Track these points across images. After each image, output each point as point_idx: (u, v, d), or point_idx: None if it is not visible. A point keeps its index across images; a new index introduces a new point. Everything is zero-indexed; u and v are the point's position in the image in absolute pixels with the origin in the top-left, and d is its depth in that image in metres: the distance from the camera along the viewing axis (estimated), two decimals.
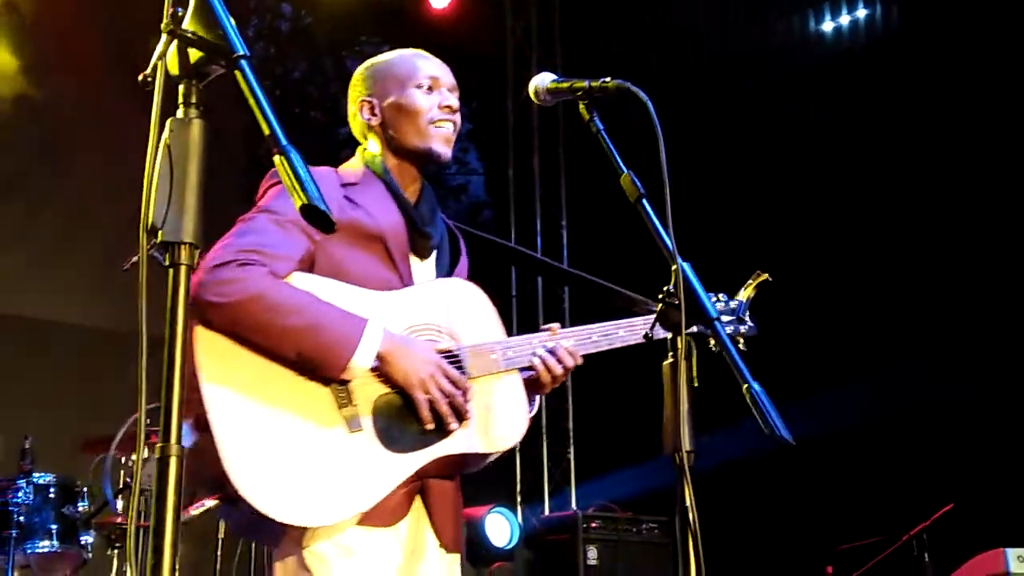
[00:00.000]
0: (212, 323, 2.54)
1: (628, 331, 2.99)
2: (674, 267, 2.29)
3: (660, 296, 2.29)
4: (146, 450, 4.36)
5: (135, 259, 4.97)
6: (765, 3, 8.87)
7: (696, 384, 2.33)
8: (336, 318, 2.56)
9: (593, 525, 7.49)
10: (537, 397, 2.92)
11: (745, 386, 2.20)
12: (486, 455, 2.74)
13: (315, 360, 2.52)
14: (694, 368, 2.31)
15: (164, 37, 1.69)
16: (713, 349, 2.66)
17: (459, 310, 2.81)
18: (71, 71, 7.79)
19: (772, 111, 8.63)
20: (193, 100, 1.70)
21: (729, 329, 3.08)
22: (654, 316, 2.58)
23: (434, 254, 2.93)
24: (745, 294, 3.13)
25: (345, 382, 2.57)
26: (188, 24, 1.69)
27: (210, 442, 2.42)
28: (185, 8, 1.69)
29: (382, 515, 2.59)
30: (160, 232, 1.63)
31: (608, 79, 2.53)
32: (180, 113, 1.69)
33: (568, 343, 2.89)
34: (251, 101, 1.64)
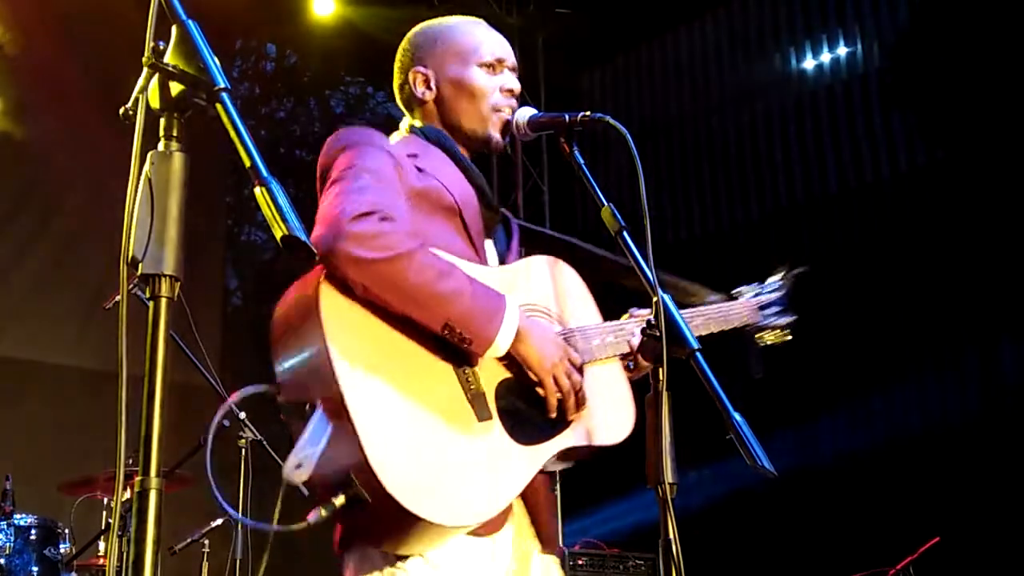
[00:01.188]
0: (353, 281, 2.24)
1: (723, 317, 2.90)
2: (655, 299, 2.29)
3: (643, 328, 2.29)
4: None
5: (117, 298, 4.97)
6: (748, 40, 8.94)
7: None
8: (479, 289, 2.34)
9: (580, 562, 7.45)
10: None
11: (728, 418, 2.19)
12: (595, 449, 2.52)
13: (463, 331, 2.28)
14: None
15: (145, 70, 1.69)
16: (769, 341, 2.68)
17: (561, 291, 2.61)
18: (55, 110, 7.80)
19: (755, 147, 8.68)
20: (174, 133, 1.70)
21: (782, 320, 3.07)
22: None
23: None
24: (781, 282, 3.13)
25: (474, 363, 2.36)
26: (169, 57, 1.69)
27: (347, 430, 2.15)
28: (167, 42, 1.70)
29: (491, 520, 2.34)
30: (140, 264, 1.62)
31: (588, 113, 2.53)
32: (161, 146, 1.69)
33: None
34: (232, 134, 1.64)
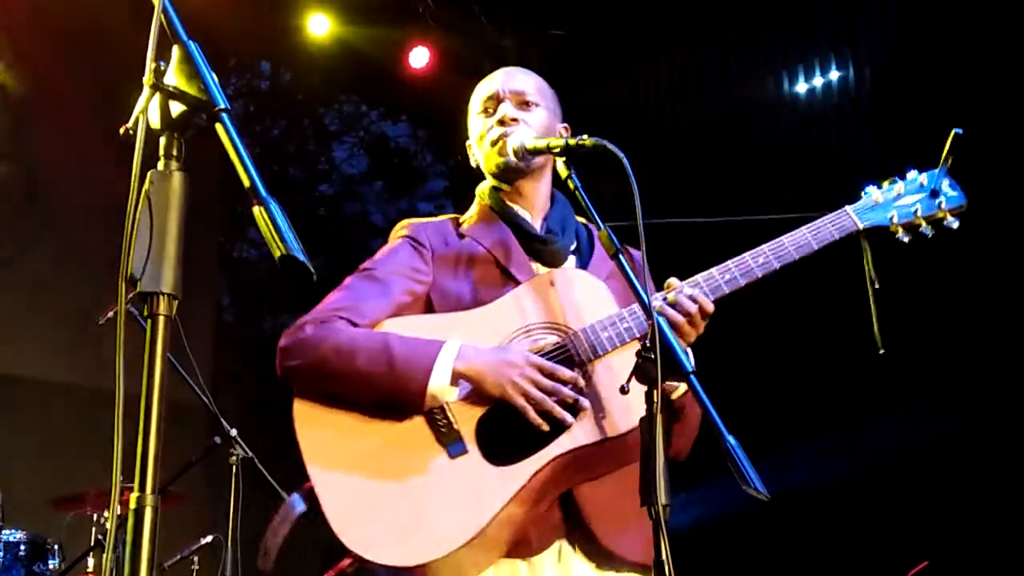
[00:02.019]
0: (301, 388, 2.57)
1: (784, 249, 2.72)
2: (649, 322, 2.29)
3: (638, 350, 2.30)
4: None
5: (111, 314, 4.99)
6: (740, 65, 8.98)
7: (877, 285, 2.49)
8: (407, 351, 2.50)
9: None
10: (690, 352, 2.57)
11: (722, 440, 2.20)
12: (617, 439, 2.48)
13: (393, 396, 2.49)
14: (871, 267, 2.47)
15: (147, 90, 1.70)
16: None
17: (568, 298, 2.64)
18: (50, 130, 7.81)
19: (748, 171, 8.70)
20: (174, 152, 1.71)
21: (919, 209, 2.79)
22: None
23: (572, 260, 2.81)
24: (941, 161, 2.82)
25: (444, 414, 2.52)
26: (170, 78, 1.70)
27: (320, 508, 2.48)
28: (168, 62, 1.71)
29: (518, 545, 2.50)
30: (139, 282, 1.63)
31: (585, 137, 2.55)
32: (161, 165, 1.70)
33: (692, 290, 2.59)
34: (232, 154, 1.65)
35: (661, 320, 2.32)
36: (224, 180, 8.49)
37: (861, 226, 2.79)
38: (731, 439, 2.18)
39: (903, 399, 7.01)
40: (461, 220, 2.91)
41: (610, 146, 2.44)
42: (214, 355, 8.80)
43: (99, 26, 7.64)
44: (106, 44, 7.59)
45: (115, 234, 1.67)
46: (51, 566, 5.31)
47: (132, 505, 1.57)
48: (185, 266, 1.68)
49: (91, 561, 5.32)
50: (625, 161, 2.36)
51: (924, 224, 2.81)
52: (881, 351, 2.70)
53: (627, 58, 9.27)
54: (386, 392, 2.49)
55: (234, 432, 5.08)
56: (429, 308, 2.70)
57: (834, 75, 8.52)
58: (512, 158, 2.76)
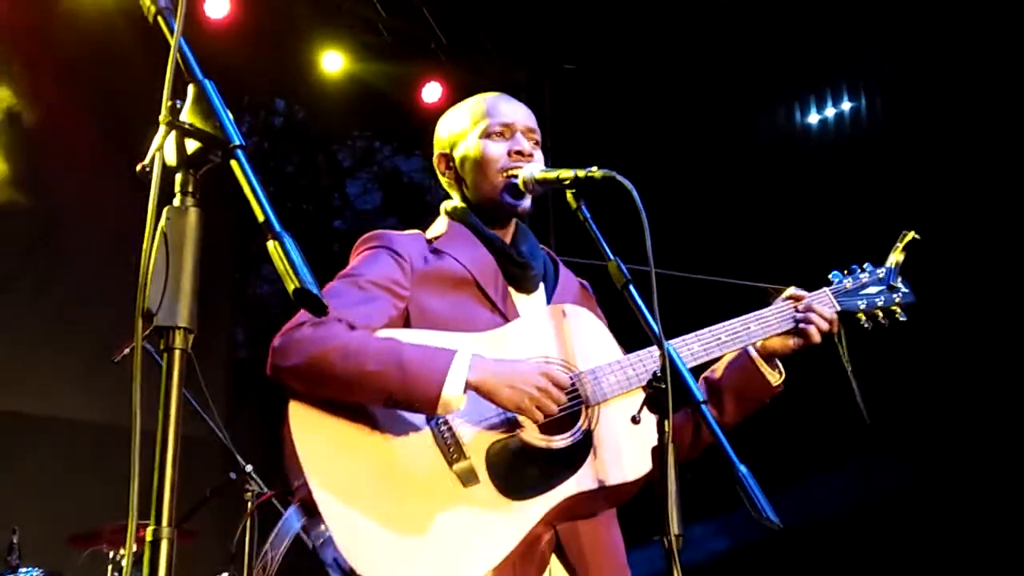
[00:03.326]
0: (296, 390, 2.46)
1: (759, 325, 2.82)
2: (660, 352, 2.31)
3: (649, 380, 2.31)
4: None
5: (127, 351, 5.02)
6: (752, 95, 9.01)
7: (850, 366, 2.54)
8: (420, 355, 2.44)
9: None
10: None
11: (734, 470, 2.20)
12: (622, 487, 2.52)
13: (406, 400, 2.41)
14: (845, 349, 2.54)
15: (162, 128, 1.73)
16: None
17: (570, 336, 2.66)
18: (66, 167, 7.87)
19: (759, 202, 8.71)
20: (190, 189, 1.73)
21: (881, 301, 2.95)
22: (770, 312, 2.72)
23: (541, 287, 2.82)
24: (893, 259, 2.99)
25: (451, 433, 2.47)
26: (186, 116, 1.73)
27: (322, 525, 2.36)
28: (183, 100, 1.74)
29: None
30: (155, 317, 1.65)
31: (595, 168, 2.57)
32: (177, 201, 1.72)
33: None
34: (247, 189, 1.67)
35: (672, 349, 2.33)
36: (238, 218, 8.55)
37: (839, 308, 2.95)
38: (743, 468, 2.19)
39: (908, 436, 6.98)
40: (429, 236, 2.84)
41: (620, 178, 2.46)
42: (229, 392, 8.82)
43: (113, 66, 7.71)
44: (120, 78, 7.66)
45: (131, 271, 1.69)
46: None
47: (148, 537, 1.58)
48: (200, 303, 1.69)
49: None
50: (635, 193, 2.38)
51: (881, 316, 2.99)
52: (868, 423, 2.83)
53: (637, 91, 9.30)
54: (397, 394, 2.41)
55: (249, 468, 5.09)
56: (405, 323, 2.64)
57: (846, 106, 8.54)
58: (521, 188, 2.77)
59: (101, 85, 8.00)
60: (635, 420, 2.33)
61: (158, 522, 1.59)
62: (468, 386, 2.44)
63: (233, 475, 5.14)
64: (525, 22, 9.14)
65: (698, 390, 2.30)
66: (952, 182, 7.33)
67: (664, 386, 2.25)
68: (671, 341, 2.63)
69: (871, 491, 6.97)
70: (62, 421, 7.61)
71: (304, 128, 10.99)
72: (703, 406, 2.27)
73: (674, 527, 2.18)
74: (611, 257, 2.48)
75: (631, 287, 2.44)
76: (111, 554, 5.48)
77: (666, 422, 2.24)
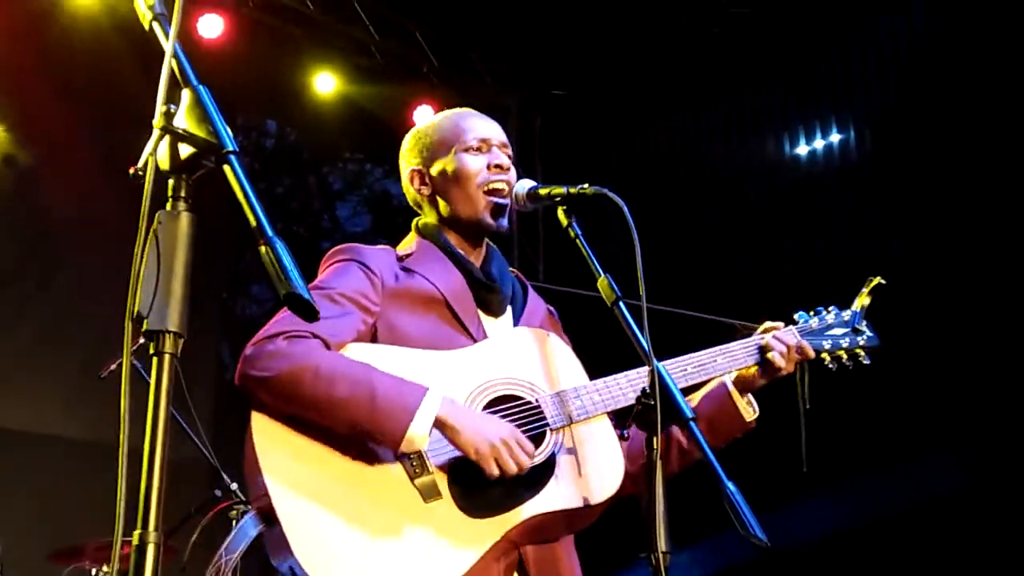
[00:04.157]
0: (262, 401, 2.44)
1: (726, 359, 2.83)
2: (649, 369, 2.31)
3: (638, 397, 2.31)
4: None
5: (112, 367, 5.00)
6: (741, 126, 9.05)
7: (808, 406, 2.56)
8: (392, 387, 2.41)
9: None
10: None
11: (722, 487, 2.20)
12: (585, 510, 2.52)
13: (371, 432, 2.40)
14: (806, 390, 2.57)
15: (156, 132, 1.73)
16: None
17: (535, 359, 2.65)
18: (54, 180, 7.86)
19: (748, 233, 8.73)
20: (182, 194, 1.73)
21: (845, 342, 2.98)
22: (741, 347, 2.72)
23: (509, 310, 2.81)
24: (859, 302, 3.04)
25: (415, 452, 2.44)
26: (180, 120, 1.73)
27: (282, 535, 2.33)
28: (177, 105, 1.74)
29: None
30: (145, 320, 1.64)
31: (586, 185, 2.59)
32: (169, 206, 1.72)
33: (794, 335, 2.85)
34: (239, 194, 1.67)
35: (661, 367, 2.34)
36: (226, 238, 8.55)
37: None
38: (731, 485, 2.19)
39: (906, 455, 6.99)
40: (400, 253, 2.81)
41: (610, 194, 2.48)
42: (214, 411, 8.78)
43: (106, 73, 7.72)
44: (113, 97, 7.66)
45: (117, 289, 1.67)
46: None
47: (135, 542, 1.57)
48: (188, 323, 1.67)
49: None
50: (626, 209, 2.40)
51: (845, 357, 3.02)
52: (804, 470, 2.84)
53: (629, 118, 9.34)
54: (363, 426, 2.39)
55: (235, 486, 5.07)
56: (373, 338, 2.61)
57: (835, 137, 8.58)
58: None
59: (94, 101, 8.00)
60: (623, 437, 2.33)
61: (144, 526, 1.57)
62: (436, 423, 2.43)
63: (219, 492, 5.12)
64: (517, 47, 9.19)
65: (687, 407, 2.30)
66: (940, 212, 7.37)
67: (653, 402, 2.25)
68: (633, 370, 2.67)
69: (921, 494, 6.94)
70: (44, 437, 7.57)
71: (296, 150, 11.00)
72: (691, 423, 2.27)
73: (662, 544, 2.18)
74: (601, 274, 2.49)
75: (621, 304, 2.44)
76: (93, 571, 5.44)
77: (655, 438, 2.23)
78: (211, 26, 7.81)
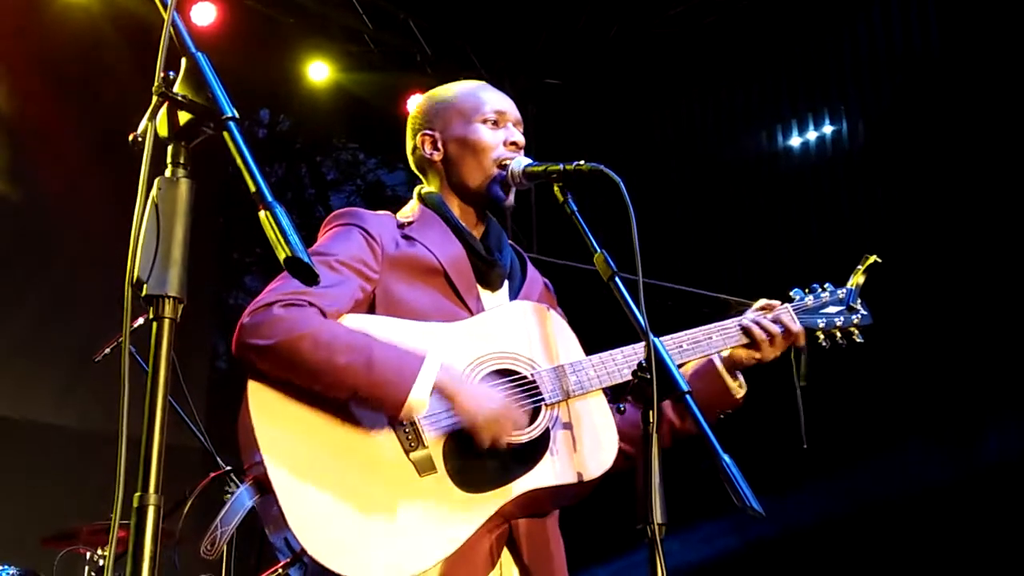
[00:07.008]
0: (259, 370, 2.42)
1: (721, 335, 2.81)
2: (646, 342, 2.32)
3: (634, 370, 2.32)
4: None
5: (107, 350, 4.99)
6: (735, 118, 9.06)
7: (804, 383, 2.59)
8: (392, 355, 2.40)
9: None
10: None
11: (717, 459, 2.21)
12: (578, 485, 2.52)
13: (371, 398, 2.39)
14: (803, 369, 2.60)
15: (155, 99, 1.73)
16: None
17: (532, 333, 2.64)
18: (46, 169, 7.85)
19: (742, 223, 8.74)
20: (181, 160, 1.73)
21: (840, 321, 2.96)
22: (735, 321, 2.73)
23: (506, 284, 2.81)
24: (854, 280, 3.01)
25: (411, 423, 2.43)
26: (179, 87, 1.73)
27: (277, 507, 2.32)
28: (176, 72, 1.74)
29: (466, 569, 2.41)
30: (145, 285, 1.64)
31: (582, 162, 2.58)
32: (168, 172, 1.72)
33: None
34: (239, 160, 1.68)
35: (657, 341, 2.34)
36: (220, 228, 8.55)
37: (798, 326, 2.94)
38: (726, 457, 2.20)
39: (899, 444, 7.01)
40: (400, 220, 2.80)
41: (607, 171, 2.48)
42: (208, 401, 8.79)
43: (95, 62, 7.71)
44: (106, 85, 7.65)
45: (110, 278, 1.67)
46: None
47: (135, 504, 1.57)
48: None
49: None
50: (622, 185, 2.40)
51: (839, 335, 3.00)
52: (804, 446, 2.83)
53: (623, 109, 9.35)
54: (363, 392, 2.39)
55: (229, 468, 5.06)
56: (371, 306, 2.61)
57: (828, 129, 8.59)
58: (511, 180, 2.78)
59: (86, 89, 7.99)
60: (620, 411, 2.34)
61: (144, 489, 1.58)
62: (434, 388, 2.42)
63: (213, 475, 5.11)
64: (511, 36, 9.18)
65: (683, 381, 2.31)
66: (933, 203, 7.39)
67: (649, 376, 2.26)
68: (629, 346, 2.66)
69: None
70: (37, 424, 7.57)
71: (289, 139, 11.00)
72: (688, 396, 2.28)
73: (657, 516, 2.19)
74: (598, 249, 2.49)
75: (617, 279, 2.45)
76: (88, 555, 5.43)
77: (651, 412, 2.24)
78: (204, 14, 7.78)
